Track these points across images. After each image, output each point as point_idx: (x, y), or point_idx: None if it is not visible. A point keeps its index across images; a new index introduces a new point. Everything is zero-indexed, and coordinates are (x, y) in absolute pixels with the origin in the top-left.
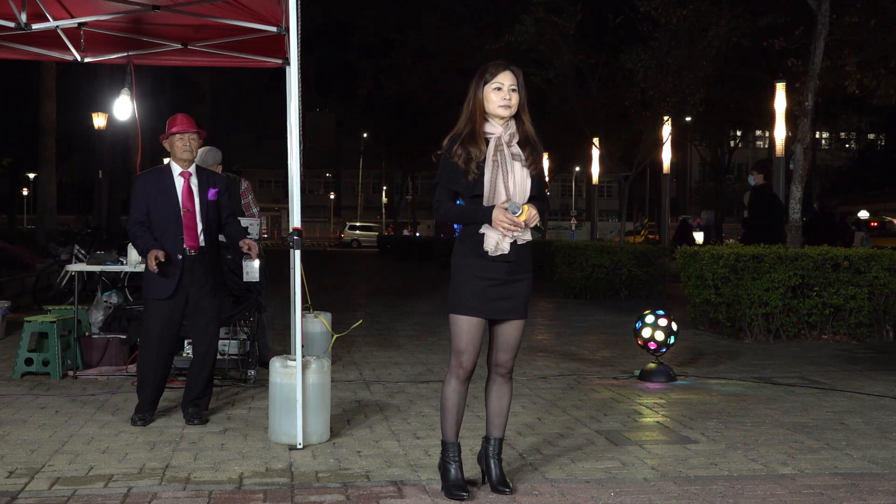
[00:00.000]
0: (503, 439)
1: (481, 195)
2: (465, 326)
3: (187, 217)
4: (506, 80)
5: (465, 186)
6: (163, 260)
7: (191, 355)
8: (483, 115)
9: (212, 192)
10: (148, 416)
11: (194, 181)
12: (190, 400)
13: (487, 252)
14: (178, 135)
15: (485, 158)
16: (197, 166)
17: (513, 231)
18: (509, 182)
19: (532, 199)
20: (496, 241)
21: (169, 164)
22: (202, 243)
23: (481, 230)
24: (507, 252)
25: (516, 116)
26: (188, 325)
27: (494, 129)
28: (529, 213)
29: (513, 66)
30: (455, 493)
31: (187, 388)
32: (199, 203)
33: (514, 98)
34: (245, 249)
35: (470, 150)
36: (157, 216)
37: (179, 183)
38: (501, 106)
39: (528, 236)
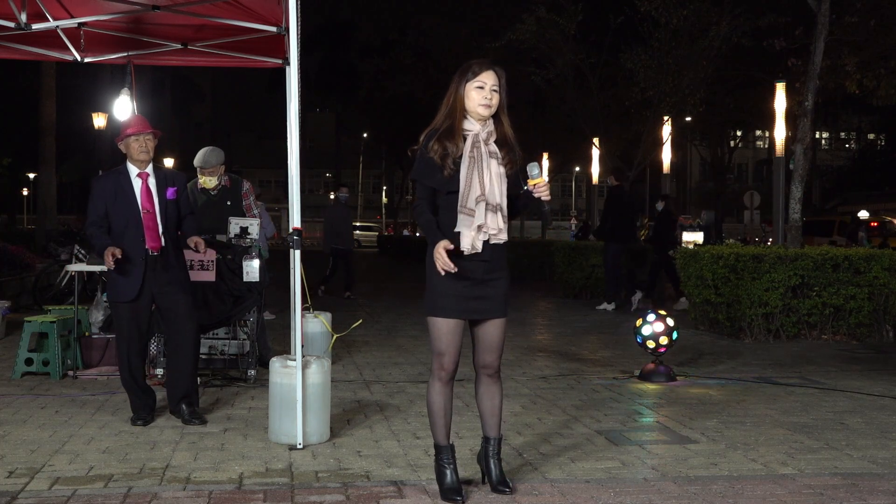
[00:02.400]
0: (501, 438)
1: (457, 191)
2: (444, 328)
3: (147, 218)
4: (489, 79)
5: (441, 182)
6: (119, 257)
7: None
8: (463, 113)
9: (170, 192)
10: (147, 417)
11: (152, 181)
12: (179, 398)
13: (463, 252)
14: (133, 136)
15: (461, 155)
16: (155, 166)
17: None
18: (485, 179)
19: (513, 199)
20: (471, 240)
21: (126, 166)
22: (163, 243)
23: (456, 229)
24: (480, 251)
25: (495, 116)
26: (164, 323)
27: (472, 126)
28: (541, 184)
29: (496, 65)
30: (450, 496)
31: (171, 385)
32: (157, 203)
33: (495, 98)
34: (192, 245)
35: (447, 145)
36: (116, 218)
37: (137, 184)
38: (482, 105)
39: (503, 236)
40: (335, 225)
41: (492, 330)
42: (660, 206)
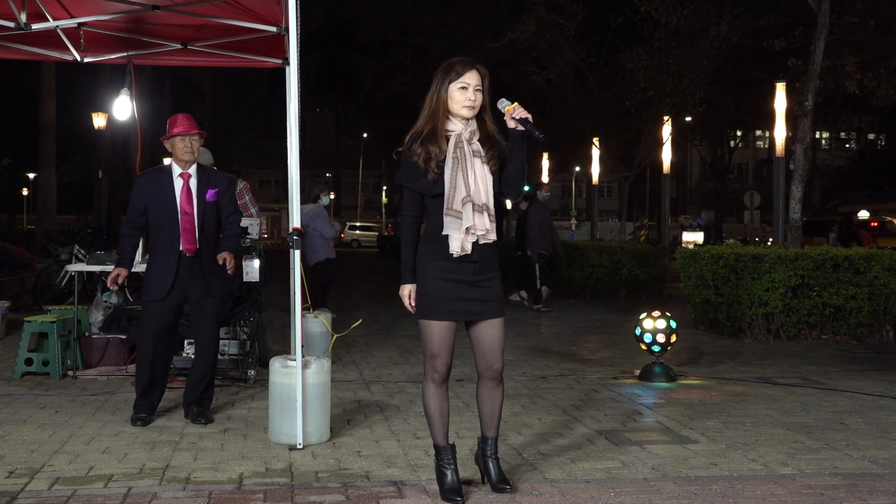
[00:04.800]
0: (498, 438)
1: (443, 194)
2: (436, 331)
3: (185, 220)
4: (472, 79)
5: (426, 186)
6: (120, 283)
7: (191, 355)
8: (446, 114)
9: (210, 193)
10: (147, 417)
11: (193, 182)
12: (193, 400)
13: (452, 254)
14: (179, 136)
15: (445, 157)
16: (199, 166)
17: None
18: (469, 179)
19: (500, 194)
20: (460, 242)
21: (170, 165)
22: (199, 245)
23: (444, 232)
24: (469, 252)
25: (478, 116)
26: (191, 326)
27: (455, 126)
28: (516, 107)
29: (478, 64)
30: (450, 497)
31: (189, 387)
32: (197, 205)
33: (479, 98)
34: (220, 260)
35: (430, 148)
36: (154, 217)
37: (178, 184)
38: (466, 106)
39: (492, 236)
40: (543, 228)
41: (490, 331)
42: (523, 206)
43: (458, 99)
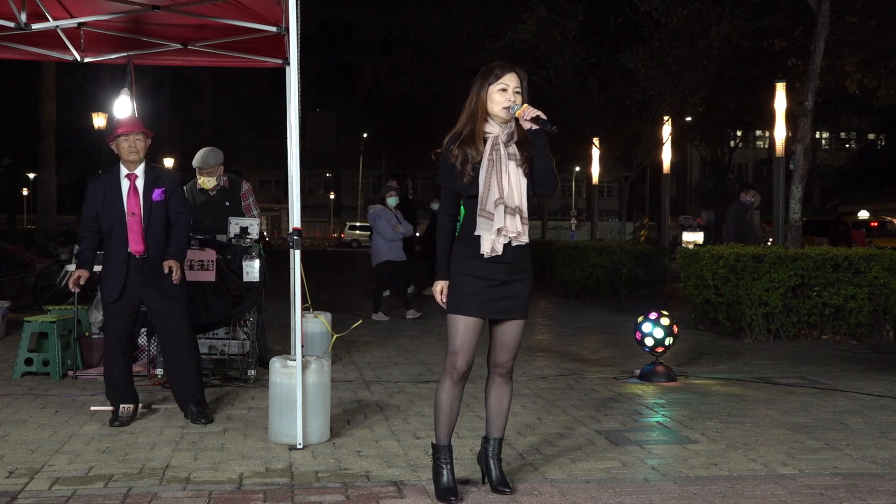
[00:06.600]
0: (503, 439)
1: (477, 195)
2: (462, 327)
3: (132, 220)
4: (511, 81)
5: (462, 187)
6: (82, 283)
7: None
8: (485, 116)
9: (156, 193)
10: (125, 419)
11: (140, 182)
12: (185, 399)
13: (483, 255)
14: (122, 136)
15: (481, 159)
16: (147, 166)
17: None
18: (503, 182)
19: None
20: (491, 243)
21: (118, 166)
22: (146, 246)
23: (476, 232)
24: (500, 254)
25: (515, 119)
26: (155, 327)
27: (493, 128)
28: (526, 108)
29: (518, 67)
30: (445, 497)
31: (174, 388)
32: (143, 205)
33: (518, 100)
34: (165, 269)
35: (467, 151)
36: (103, 219)
37: (125, 185)
38: (506, 107)
39: (525, 238)
40: (740, 230)
41: (510, 330)
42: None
43: (499, 100)
